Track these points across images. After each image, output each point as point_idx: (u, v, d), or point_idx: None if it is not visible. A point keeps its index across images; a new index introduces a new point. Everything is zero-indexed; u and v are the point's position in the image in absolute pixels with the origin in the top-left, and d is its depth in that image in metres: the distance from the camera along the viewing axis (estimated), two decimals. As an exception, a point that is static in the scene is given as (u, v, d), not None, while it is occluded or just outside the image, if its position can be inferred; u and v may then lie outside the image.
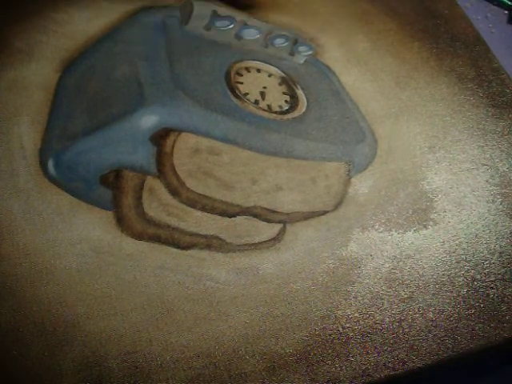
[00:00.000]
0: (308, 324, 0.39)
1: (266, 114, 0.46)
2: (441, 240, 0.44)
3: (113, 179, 0.42)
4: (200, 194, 0.42)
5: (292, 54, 0.51)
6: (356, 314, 0.40)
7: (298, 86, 0.49)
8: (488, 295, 0.42)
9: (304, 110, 0.48)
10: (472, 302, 0.41)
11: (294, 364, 0.38)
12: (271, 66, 0.49)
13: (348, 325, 0.40)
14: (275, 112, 0.46)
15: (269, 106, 0.47)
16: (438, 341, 0.40)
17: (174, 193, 0.42)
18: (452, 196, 0.46)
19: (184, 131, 0.43)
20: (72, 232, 0.40)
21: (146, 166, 0.42)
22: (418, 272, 0.42)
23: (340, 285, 0.41)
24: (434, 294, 0.41)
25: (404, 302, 0.41)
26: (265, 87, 0.48)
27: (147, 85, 0.43)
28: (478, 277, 0.43)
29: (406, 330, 0.40)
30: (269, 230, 0.43)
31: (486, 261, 0.43)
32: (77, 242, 0.40)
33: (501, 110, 0.51)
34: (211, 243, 0.42)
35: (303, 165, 0.45)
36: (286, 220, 0.43)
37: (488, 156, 0.49)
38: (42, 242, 0.40)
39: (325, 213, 0.44)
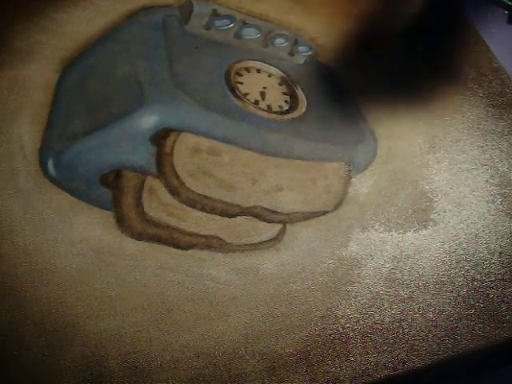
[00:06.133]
0: (308, 324, 0.39)
1: (265, 114, 0.46)
2: (441, 240, 0.44)
3: (113, 179, 0.42)
4: (200, 194, 0.42)
5: (292, 54, 0.51)
6: (356, 314, 0.40)
7: (298, 86, 0.49)
8: (488, 295, 0.42)
9: (304, 110, 0.48)
10: (472, 302, 0.41)
11: (293, 364, 0.38)
12: (271, 66, 0.49)
13: (348, 325, 0.40)
14: (275, 112, 0.46)
15: (269, 106, 0.47)
16: (438, 341, 0.40)
17: (174, 193, 0.42)
18: (452, 196, 0.46)
19: (184, 131, 0.43)
20: (72, 232, 0.40)
21: (146, 166, 0.42)
22: (418, 272, 0.42)
23: (340, 285, 0.41)
24: (433, 294, 0.41)
25: (404, 302, 0.41)
26: (265, 87, 0.48)
27: (147, 85, 0.43)
28: (478, 277, 0.43)
29: (406, 330, 0.40)
30: (269, 230, 0.43)
31: (486, 261, 0.43)
32: (77, 242, 0.40)
33: (501, 110, 0.51)
34: (211, 243, 0.42)
35: (303, 165, 0.45)
36: (286, 220, 0.43)
37: (488, 156, 0.49)
38: (42, 242, 0.40)
39: (325, 213, 0.44)
